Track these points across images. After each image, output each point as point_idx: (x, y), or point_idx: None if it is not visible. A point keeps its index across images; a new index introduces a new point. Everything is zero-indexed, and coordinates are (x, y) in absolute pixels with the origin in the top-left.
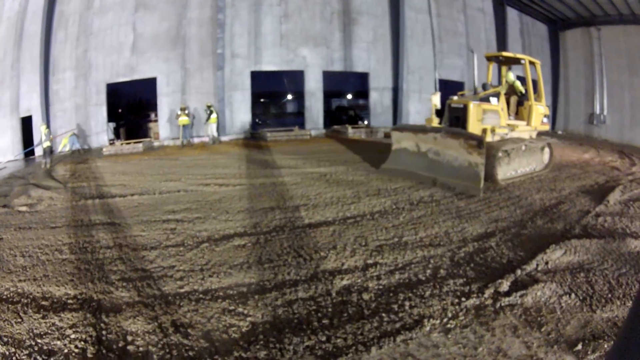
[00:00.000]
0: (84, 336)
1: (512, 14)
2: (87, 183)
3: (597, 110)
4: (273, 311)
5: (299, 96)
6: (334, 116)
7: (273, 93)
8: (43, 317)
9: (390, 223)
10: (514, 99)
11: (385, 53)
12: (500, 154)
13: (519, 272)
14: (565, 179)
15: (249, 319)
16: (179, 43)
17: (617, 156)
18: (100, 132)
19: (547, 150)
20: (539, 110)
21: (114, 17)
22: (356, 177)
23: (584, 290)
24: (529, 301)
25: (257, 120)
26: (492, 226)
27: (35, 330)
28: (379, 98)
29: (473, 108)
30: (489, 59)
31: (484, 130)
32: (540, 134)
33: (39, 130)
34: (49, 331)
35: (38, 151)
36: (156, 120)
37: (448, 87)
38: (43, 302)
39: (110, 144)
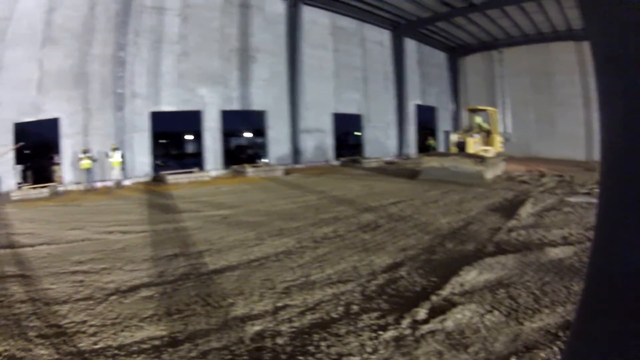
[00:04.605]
0: None
1: (410, 44)
2: None
3: (501, 129)
4: None
5: (199, 136)
6: (233, 155)
7: (173, 134)
8: None
9: (295, 263)
10: (483, 134)
11: (281, 90)
12: (486, 166)
13: (434, 298)
14: (472, 199)
15: None
16: (81, 81)
17: (524, 170)
18: (9, 175)
19: (503, 163)
20: (498, 139)
21: (24, 51)
22: (257, 219)
23: (507, 305)
24: (450, 325)
25: (157, 162)
26: (401, 255)
27: None
28: (276, 135)
29: (470, 141)
30: (468, 110)
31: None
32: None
33: None
34: None
35: None
36: (59, 163)
37: (346, 120)
38: None
39: (18, 188)
